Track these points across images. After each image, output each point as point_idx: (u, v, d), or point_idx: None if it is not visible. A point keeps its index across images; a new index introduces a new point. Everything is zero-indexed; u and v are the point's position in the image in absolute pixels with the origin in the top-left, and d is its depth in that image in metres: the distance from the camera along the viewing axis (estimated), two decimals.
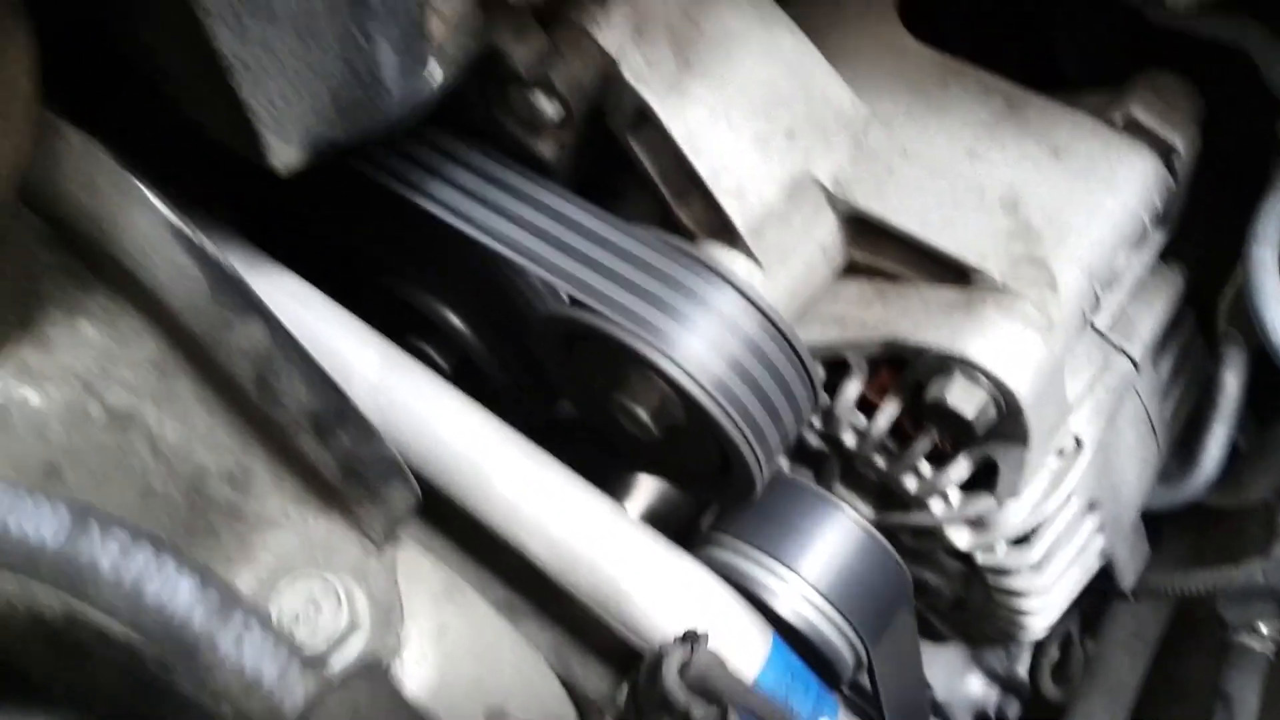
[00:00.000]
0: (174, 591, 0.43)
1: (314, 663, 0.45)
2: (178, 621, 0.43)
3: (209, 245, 0.60)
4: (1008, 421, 0.86)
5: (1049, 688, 1.37)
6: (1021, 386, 0.84)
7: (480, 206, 0.88)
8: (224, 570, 0.67)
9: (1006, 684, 1.41)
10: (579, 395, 0.93)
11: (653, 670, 0.55)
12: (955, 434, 0.88)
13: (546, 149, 0.89)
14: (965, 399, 0.84)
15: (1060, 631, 1.32)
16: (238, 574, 0.68)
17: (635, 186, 1.01)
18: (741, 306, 0.83)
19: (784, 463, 1.04)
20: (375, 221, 0.94)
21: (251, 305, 0.61)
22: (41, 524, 0.43)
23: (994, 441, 0.89)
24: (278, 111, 0.65)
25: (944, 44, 1.01)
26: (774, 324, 0.84)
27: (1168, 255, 1.02)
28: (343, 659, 0.67)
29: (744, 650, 0.75)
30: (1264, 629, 1.12)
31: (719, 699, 0.53)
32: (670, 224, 0.95)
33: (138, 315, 0.63)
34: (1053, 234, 0.88)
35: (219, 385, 0.65)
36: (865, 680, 0.99)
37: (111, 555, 0.43)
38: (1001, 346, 0.84)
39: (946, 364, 0.85)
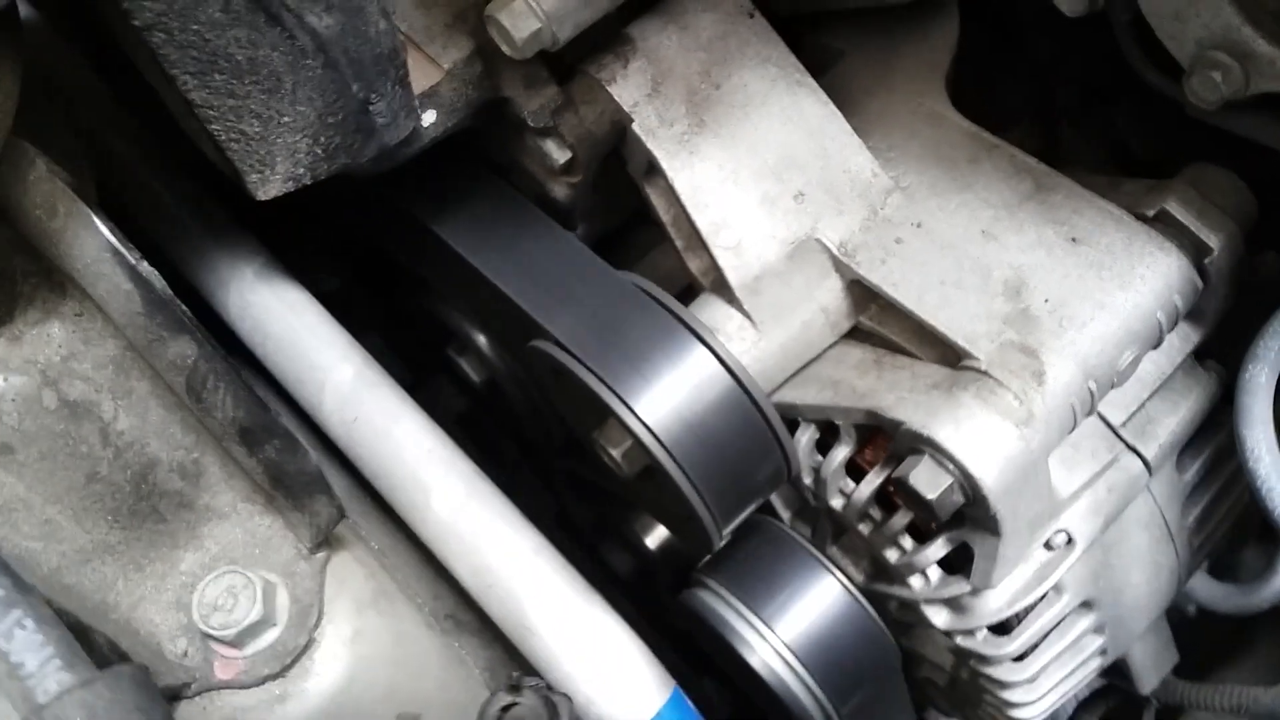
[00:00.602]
0: None
1: (76, 664, 0.51)
2: None
3: (145, 268, 0.67)
4: (976, 509, 0.85)
5: None
6: (988, 477, 0.82)
7: (491, 241, 0.93)
8: (170, 554, 0.75)
9: None
10: (570, 419, 0.97)
11: (483, 709, 0.59)
12: (921, 514, 0.87)
13: (558, 190, 0.94)
14: (929, 481, 0.83)
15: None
16: (182, 558, 0.75)
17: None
18: (713, 368, 0.85)
19: (786, 515, 1.05)
20: (409, 245, 1.00)
21: (181, 325, 0.68)
22: None
23: (968, 528, 0.88)
24: (252, 151, 0.72)
25: (1003, 121, 0.99)
26: (745, 390, 0.86)
27: (1208, 355, 0.97)
28: (255, 647, 0.73)
29: (635, 698, 0.77)
30: None
31: None
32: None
33: (101, 320, 0.71)
34: (1051, 324, 0.86)
35: (170, 388, 0.73)
36: None
37: None
38: (972, 435, 0.83)
39: (918, 444, 0.85)
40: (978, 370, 0.85)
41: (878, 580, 1.00)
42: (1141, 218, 0.90)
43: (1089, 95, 1.19)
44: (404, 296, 1.14)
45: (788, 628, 1.00)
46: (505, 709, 0.58)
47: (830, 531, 1.02)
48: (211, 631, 0.72)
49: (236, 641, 0.72)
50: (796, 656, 1.00)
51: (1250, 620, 1.30)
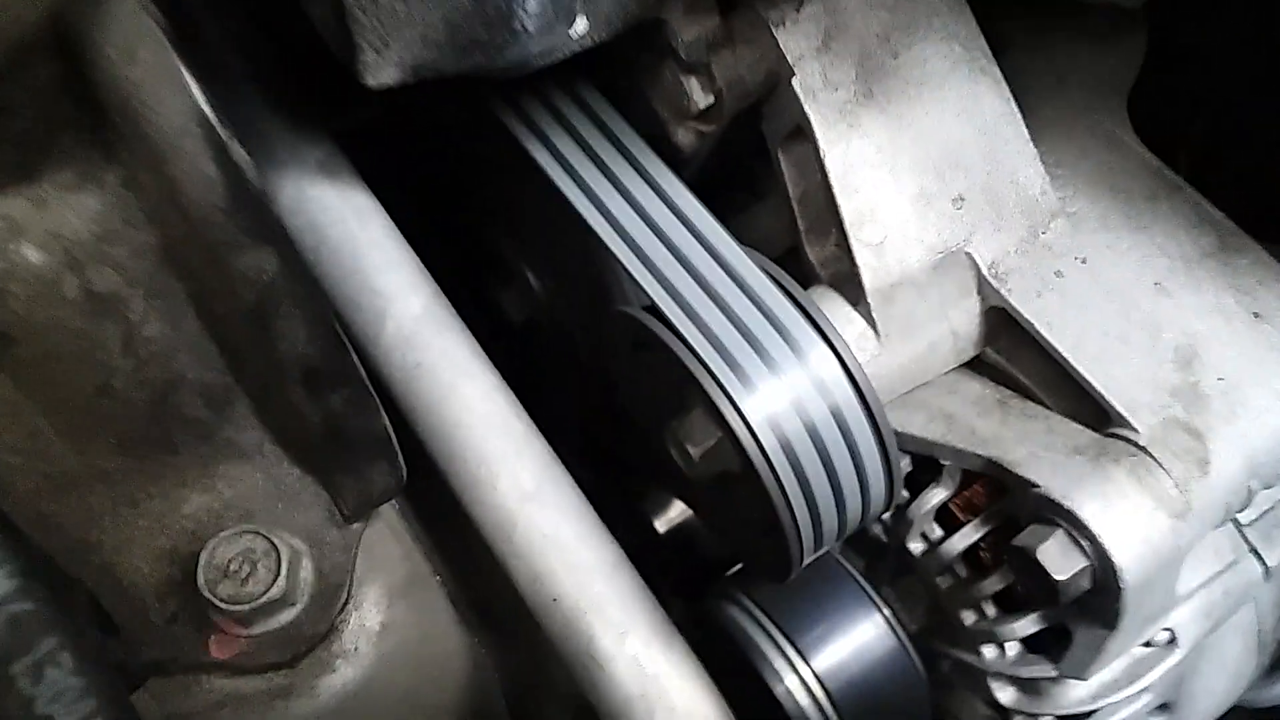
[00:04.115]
0: None
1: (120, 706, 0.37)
2: None
3: (238, 152, 0.52)
4: (1099, 598, 0.75)
5: None
6: (1130, 570, 0.73)
7: (592, 176, 0.79)
8: (173, 491, 0.61)
9: None
10: (636, 402, 0.85)
11: None
12: (1035, 591, 0.76)
13: (684, 137, 0.80)
14: (1059, 560, 0.74)
15: None
16: (187, 498, 0.61)
17: (771, 200, 0.91)
18: (835, 374, 0.73)
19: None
20: (482, 156, 0.86)
21: (268, 232, 0.54)
22: None
23: (1076, 612, 0.78)
24: (383, 27, 0.57)
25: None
26: (868, 406, 0.74)
27: None
28: (265, 627, 0.60)
29: None
30: None
31: None
32: (793, 254, 0.84)
33: (154, 199, 0.55)
34: (1224, 407, 0.76)
35: (220, 297, 0.58)
36: None
37: None
38: (1121, 517, 0.73)
39: (1051, 513, 0.74)
40: (1134, 444, 0.75)
41: (935, 636, 0.90)
42: None
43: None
44: (453, 213, 0.99)
45: (825, 663, 0.91)
46: None
47: (892, 570, 0.91)
48: (218, 603, 0.58)
49: (246, 619, 0.59)
50: (830, 697, 0.91)
51: None
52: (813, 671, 0.92)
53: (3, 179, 0.53)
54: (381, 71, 0.60)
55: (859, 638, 0.92)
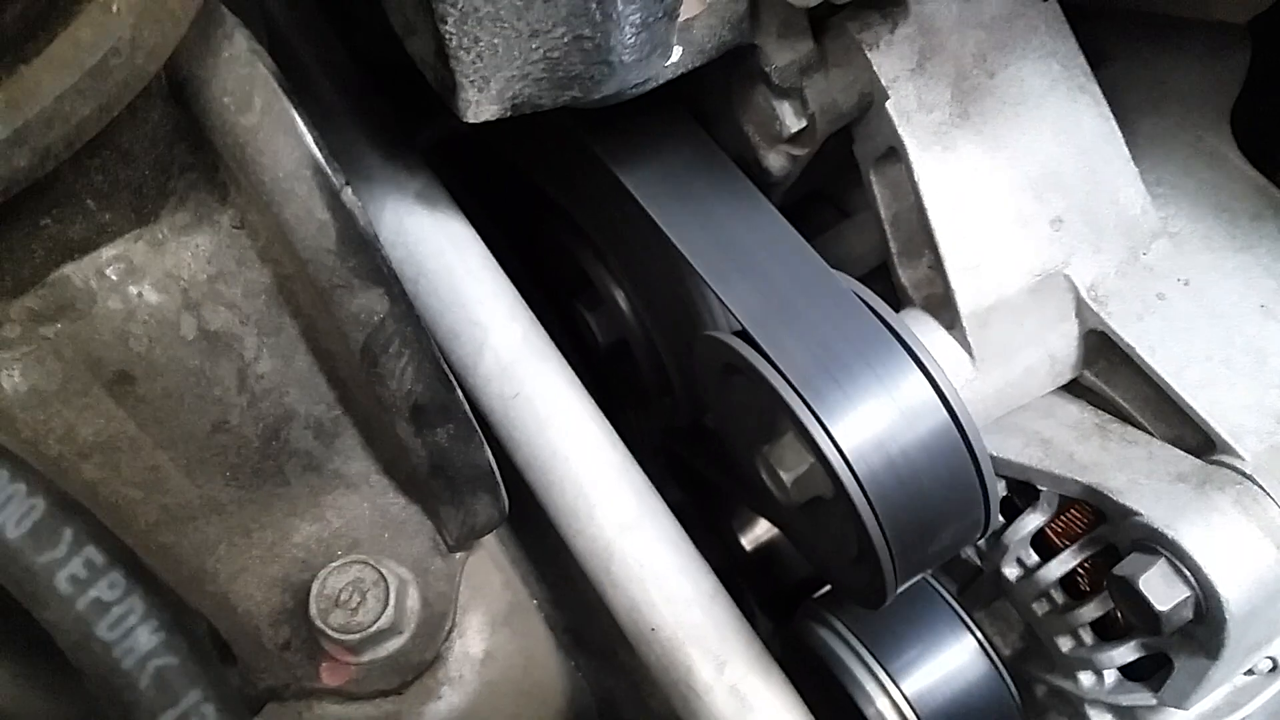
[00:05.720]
0: (128, 637, 0.36)
1: None
2: (119, 676, 0.36)
3: (350, 197, 0.53)
4: (1203, 629, 0.73)
5: None
6: (1235, 601, 0.71)
7: (686, 204, 0.79)
8: (284, 521, 0.62)
9: None
10: (726, 424, 0.85)
11: None
12: (1136, 620, 0.75)
13: (775, 160, 0.80)
14: (1162, 591, 0.72)
15: None
16: (298, 528, 0.62)
17: (858, 218, 0.91)
18: (930, 399, 0.72)
19: None
20: (574, 180, 0.86)
21: (378, 274, 0.55)
22: (6, 512, 0.36)
23: (1178, 641, 0.76)
24: (484, 65, 0.58)
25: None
26: (963, 432, 0.73)
27: None
28: (374, 655, 0.61)
29: None
30: None
31: None
32: (882, 275, 0.84)
33: (265, 240, 0.57)
34: None
35: (330, 335, 0.59)
36: None
37: (72, 570, 0.37)
38: (1225, 547, 0.72)
39: (1153, 542, 0.72)
40: (1239, 471, 0.73)
41: (1029, 661, 0.89)
42: None
43: None
44: (538, 236, 1.00)
45: (915, 686, 0.90)
46: None
47: (986, 595, 0.90)
48: (330, 632, 0.59)
49: (356, 647, 0.60)
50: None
51: None
52: (904, 695, 0.91)
53: (122, 223, 0.54)
54: (481, 108, 0.61)
55: (951, 661, 0.91)
